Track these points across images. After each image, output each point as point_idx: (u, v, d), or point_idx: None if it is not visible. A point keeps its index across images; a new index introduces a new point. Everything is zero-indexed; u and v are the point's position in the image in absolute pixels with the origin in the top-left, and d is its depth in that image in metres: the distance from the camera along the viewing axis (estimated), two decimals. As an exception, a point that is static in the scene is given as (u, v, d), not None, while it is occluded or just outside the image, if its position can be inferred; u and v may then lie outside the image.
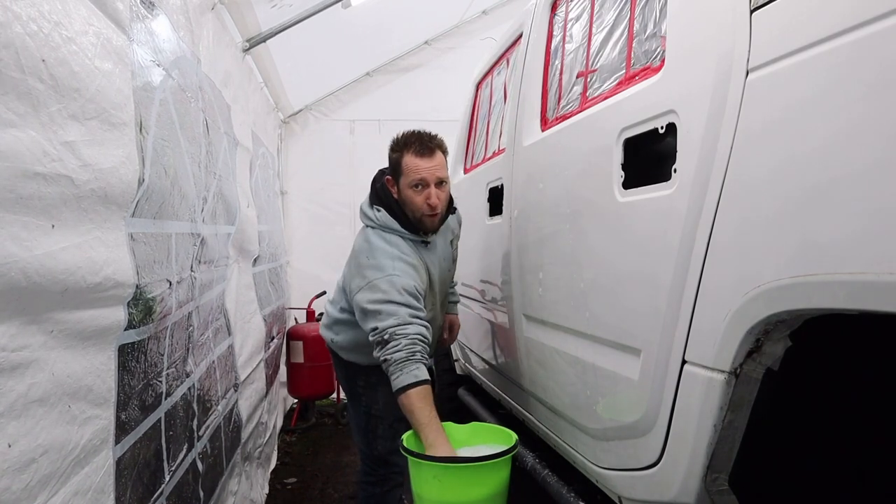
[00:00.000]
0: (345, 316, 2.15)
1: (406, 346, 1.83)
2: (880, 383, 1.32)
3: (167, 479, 1.49)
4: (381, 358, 1.86)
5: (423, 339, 1.87)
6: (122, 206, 1.19)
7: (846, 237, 0.87)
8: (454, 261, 2.32)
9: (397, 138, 2.06)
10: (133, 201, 1.24)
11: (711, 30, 1.18)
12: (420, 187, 1.99)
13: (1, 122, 0.82)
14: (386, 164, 2.13)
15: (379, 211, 2.05)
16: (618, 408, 1.52)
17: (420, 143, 2.00)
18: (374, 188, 2.13)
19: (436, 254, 2.15)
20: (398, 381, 1.81)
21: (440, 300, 2.22)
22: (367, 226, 2.09)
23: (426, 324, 1.92)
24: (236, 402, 2.39)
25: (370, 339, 1.89)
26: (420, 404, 1.79)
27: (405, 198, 2.02)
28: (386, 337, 1.85)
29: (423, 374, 1.83)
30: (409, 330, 1.85)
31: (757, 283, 1.03)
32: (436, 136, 2.06)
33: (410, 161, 1.99)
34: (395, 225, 2.03)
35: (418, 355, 1.84)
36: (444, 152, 2.06)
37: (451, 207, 2.18)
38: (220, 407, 2.09)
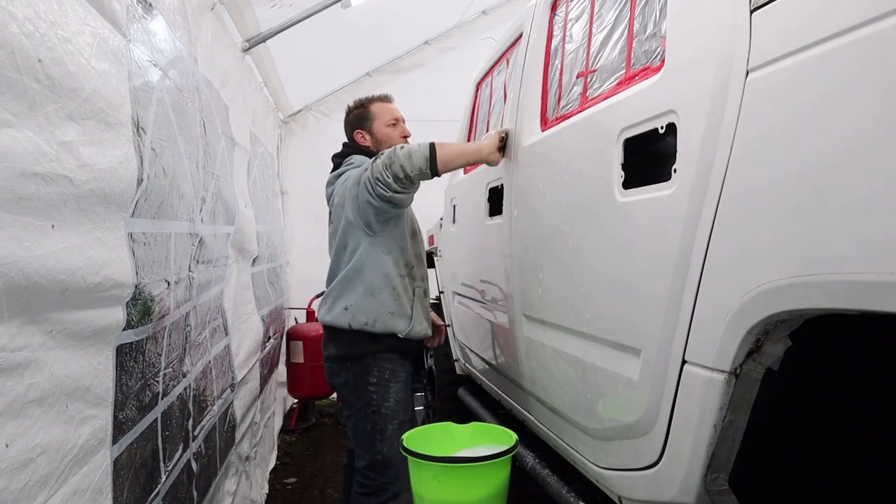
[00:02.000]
0: (343, 282, 2.16)
1: (400, 147, 2.03)
2: (880, 383, 1.32)
3: (163, 479, 1.49)
4: (395, 162, 1.99)
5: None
6: (122, 207, 1.19)
7: (846, 237, 0.87)
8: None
9: (353, 102, 2.38)
10: (132, 201, 1.23)
11: (711, 30, 1.17)
12: (395, 124, 2.32)
13: (-2, 121, 0.82)
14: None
15: (352, 158, 2.25)
16: (618, 408, 1.52)
17: (380, 95, 2.36)
18: (342, 153, 2.33)
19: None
20: (418, 154, 1.99)
21: (423, 256, 2.35)
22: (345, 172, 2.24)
23: None
24: (232, 402, 2.39)
25: (365, 174, 2.04)
26: (449, 147, 2.05)
27: (383, 136, 2.29)
28: (382, 169, 2.00)
29: (428, 141, 2.03)
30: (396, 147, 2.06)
31: (757, 283, 1.02)
32: None
33: (380, 106, 2.32)
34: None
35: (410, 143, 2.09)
36: None
37: None
38: (215, 407, 2.09)
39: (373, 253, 2.12)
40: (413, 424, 1.83)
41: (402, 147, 2.04)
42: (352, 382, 2.18)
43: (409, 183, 2.02)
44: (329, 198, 2.29)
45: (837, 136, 0.89)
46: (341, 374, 2.20)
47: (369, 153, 2.26)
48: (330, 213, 2.28)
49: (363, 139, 2.32)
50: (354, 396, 2.18)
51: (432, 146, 2.02)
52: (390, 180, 1.99)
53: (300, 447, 4.10)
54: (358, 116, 2.33)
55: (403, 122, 2.36)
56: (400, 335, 2.15)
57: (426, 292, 2.33)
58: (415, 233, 2.31)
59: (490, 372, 2.79)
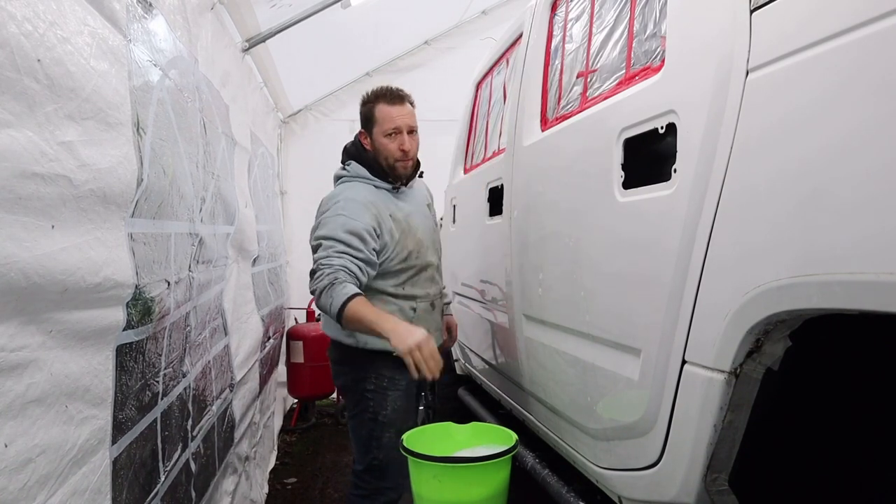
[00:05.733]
0: None
1: (328, 274, 1.87)
2: (880, 383, 1.32)
3: (162, 479, 1.49)
4: (311, 289, 1.92)
5: (346, 270, 1.90)
6: (122, 207, 1.19)
7: (846, 237, 0.87)
8: (437, 227, 2.35)
9: (367, 93, 2.18)
10: (132, 201, 1.23)
11: (711, 30, 1.17)
12: (393, 135, 2.09)
13: (-2, 121, 0.82)
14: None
15: (349, 164, 2.16)
16: (618, 408, 1.52)
17: (391, 93, 2.13)
18: (344, 149, 2.25)
19: (411, 204, 2.20)
20: (332, 306, 1.83)
21: (433, 250, 2.24)
22: (337, 185, 2.17)
23: (358, 263, 1.94)
24: (231, 402, 2.38)
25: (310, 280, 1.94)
26: (363, 309, 1.81)
27: (379, 146, 2.12)
28: (313, 267, 1.93)
29: (353, 289, 1.84)
30: (333, 262, 1.90)
31: (757, 283, 1.02)
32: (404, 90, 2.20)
33: (383, 110, 2.10)
34: (365, 173, 2.13)
35: (342, 276, 1.87)
36: (413, 104, 2.18)
37: (419, 167, 2.24)
38: (214, 407, 2.09)
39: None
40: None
41: (319, 292, 1.86)
42: (350, 386, 2.16)
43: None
44: None
45: (837, 136, 0.89)
46: (341, 376, 2.20)
47: (368, 161, 2.15)
48: None
49: (366, 141, 2.17)
50: (353, 401, 2.15)
51: (345, 305, 1.80)
52: (314, 294, 1.93)
53: (300, 447, 4.10)
54: (364, 115, 2.17)
55: (410, 131, 2.11)
56: (394, 353, 2.00)
57: (434, 304, 2.22)
58: (420, 251, 2.15)
59: (490, 372, 2.79)
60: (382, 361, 2.07)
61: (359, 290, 1.86)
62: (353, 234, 1.95)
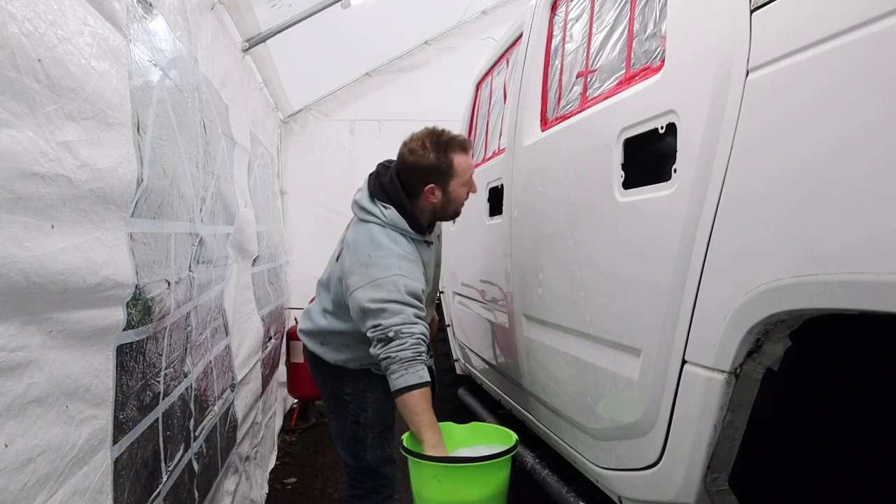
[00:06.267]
0: (329, 320, 2.07)
1: (412, 345, 1.80)
2: (880, 383, 1.32)
3: (164, 479, 1.49)
4: (384, 356, 1.81)
5: (426, 339, 1.86)
6: (122, 206, 1.19)
7: (846, 237, 0.87)
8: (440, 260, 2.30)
9: (433, 138, 1.96)
10: (132, 201, 1.23)
11: (711, 30, 1.17)
12: (468, 181, 2.02)
13: (-2, 121, 0.82)
14: (385, 159, 2.11)
15: (387, 208, 1.96)
16: (618, 408, 1.52)
17: (460, 141, 1.99)
18: (378, 182, 2.02)
19: (431, 254, 2.13)
20: (402, 380, 1.78)
21: (431, 299, 2.20)
22: (369, 221, 1.98)
23: (427, 325, 1.91)
24: (232, 402, 2.39)
25: (370, 335, 1.84)
26: (424, 405, 1.78)
27: (456, 197, 2.00)
28: (391, 335, 1.80)
29: (427, 376, 1.82)
30: (414, 329, 1.82)
31: (757, 283, 1.02)
32: None
33: (462, 160, 1.98)
34: (405, 225, 1.96)
35: (423, 356, 1.82)
36: None
37: None
38: (216, 407, 2.09)
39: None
40: (396, 431, 1.81)
41: (413, 356, 1.79)
42: (328, 389, 2.13)
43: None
44: (353, 209, 2.09)
45: (837, 136, 0.89)
46: (318, 377, 2.17)
47: (410, 214, 1.97)
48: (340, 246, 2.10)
49: (433, 196, 1.98)
50: (333, 403, 2.13)
51: (411, 389, 1.77)
52: (373, 342, 1.85)
53: (300, 447, 4.10)
54: (438, 168, 1.95)
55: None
56: (374, 370, 2.04)
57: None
58: (434, 284, 2.13)
59: (490, 372, 2.79)
60: (356, 370, 2.07)
61: (429, 380, 1.82)
62: (415, 297, 1.88)
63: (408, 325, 1.82)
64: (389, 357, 1.80)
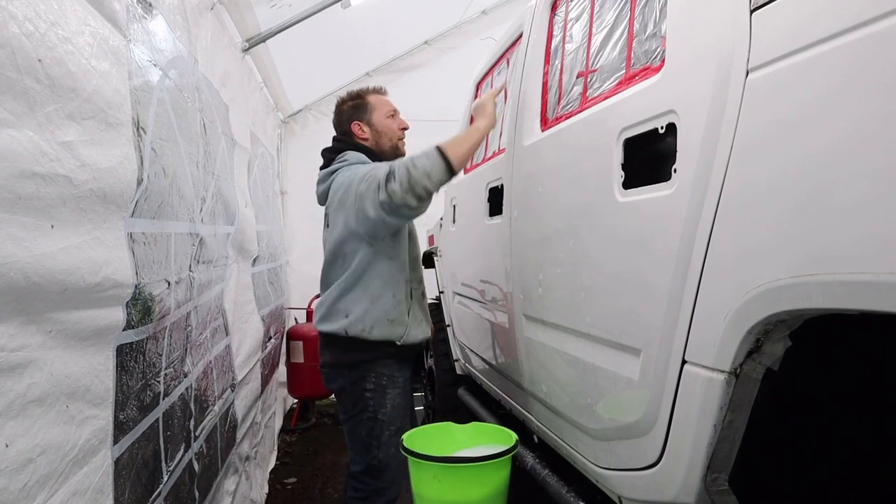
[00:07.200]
0: (342, 282, 2.10)
1: (395, 167, 1.95)
2: (880, 383, 1.32)
3: (165, 479, 1.49)
4: (400, 173, 1.92)
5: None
6: (122, 206, 1.19)
7: (846, 237, 0.87)
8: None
9: (347, 93, 2.32)
10: (132, 201, 1.23)
11: (711, 30, 1.17)
12: (393, 116, 2.28)
13: (-2, 121, 0.82)
14: None
15: (345, 155, 2.18)
16: (618, 408, 1.52)
17: (374, 87, 2.33)
18: (329, 149, 2.26)
19: None
20: (434, 169, 1.92)
21: (420, 257, 2.32)
22: (338, 170, 2.15)
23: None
24: (232, 402, 2.39)
25: (382, 195, 1.93)
26: (457, 139, 2.01)
27: (383, 127, 2.25)
28: (394, 166, 1.95)
29: (429, 147, 1.97)
30: (382, 166, 1.99)
31: (757, 283, 1.02)
32: None
33: (377, 98, 2.28)
34: (366, 159, 2.18)
35: (405, 158, 2.00)
36: None
37: None
38: (216, 407, 2.09)
39: (374, 260, 2.08)
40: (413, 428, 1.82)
41: (413, 166, 1.92)
42: (348, 389, 2.15)
43: (430, 197, 1.98)
44: (321, 197, 2.23)
45: (837, 136, 0.89)
46: (338, 380, 2.17)
47: (364, 149, 2.21)
48: (326, 216, 2.21)
49: (361, 131, 2.24)
50: (351, 402, 2.15)
51: (441, 152, 1.94)
52: (414, 202, 1.93)
53: (300, 447, 4.10)
54: (355, 107, 2.26)
55: (399, 113, 2.33)
56: (398, 342, 2.11)
57: (424, 293, 2.31)
58: (411, 234, 2.27)
59: (490, 372, 2.79)
60: (381, 360, 2.09)
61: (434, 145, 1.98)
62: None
63: (377, 167, 1.99)
64: (406, 168, 1.92)
